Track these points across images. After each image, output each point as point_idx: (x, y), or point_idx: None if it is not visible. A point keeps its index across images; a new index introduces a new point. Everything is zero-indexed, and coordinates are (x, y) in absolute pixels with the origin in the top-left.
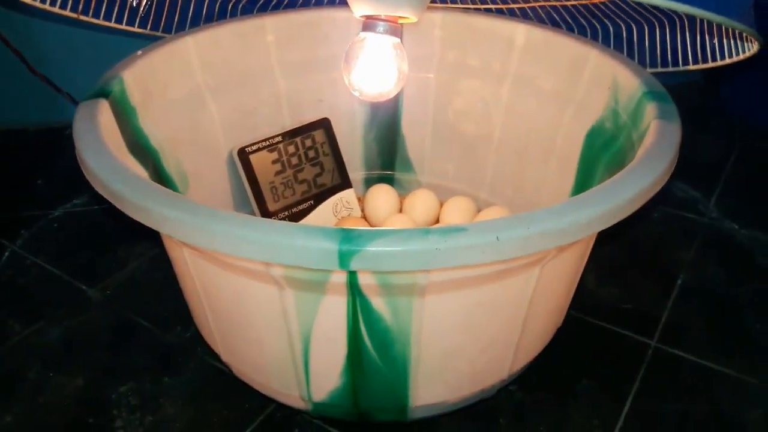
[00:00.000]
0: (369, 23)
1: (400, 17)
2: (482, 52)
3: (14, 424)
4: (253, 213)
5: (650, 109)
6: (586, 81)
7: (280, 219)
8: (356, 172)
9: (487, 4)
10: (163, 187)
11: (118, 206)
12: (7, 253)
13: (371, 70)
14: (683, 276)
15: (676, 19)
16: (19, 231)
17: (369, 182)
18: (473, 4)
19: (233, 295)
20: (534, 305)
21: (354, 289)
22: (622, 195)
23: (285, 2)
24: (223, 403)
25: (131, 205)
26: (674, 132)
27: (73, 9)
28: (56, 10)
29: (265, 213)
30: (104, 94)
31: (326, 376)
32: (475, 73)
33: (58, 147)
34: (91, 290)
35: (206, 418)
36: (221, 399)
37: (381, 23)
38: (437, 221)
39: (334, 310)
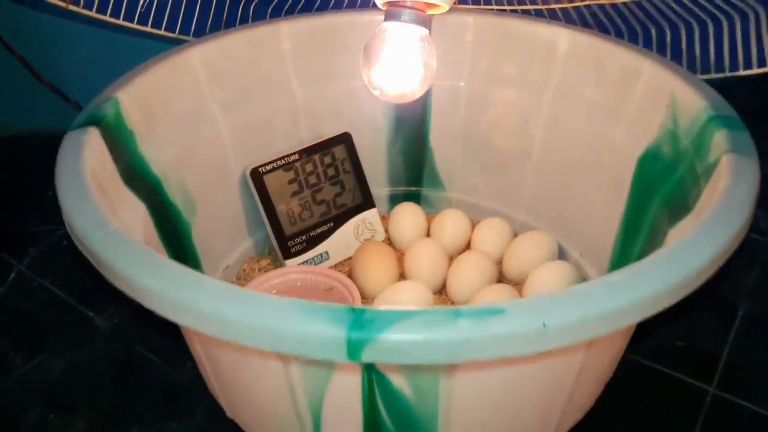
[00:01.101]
0: (392, 11)
1: (428, 4)
2: (519, 58)
3: None
4: (267, 236)
5: (719, 139)
6: (639, 96)
7: (297, 243)
8: (380, 188)
9: (525, 4)
10: (150, 251)
11: (96, 267)
12: (13, 275)
13: (394, 65)
14: (744, 306)
15: (728, 17)
16: (26, 248)
17: (394, 199)
18: (509, 4)
19: (234, 365)
20: (582, 378)
21: (369, 366)
22: (697, 260)
23: (301, 3)
24: None
25: (109, 270)
26: (752, 171)
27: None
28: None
29: (281, 238)
30: (95, 121)
31: None
32: (511, 81)
33: None
34: (98, 318)
35: None
36: None
37: (406, 11)
38: (468, 245)
39: (346, 387)
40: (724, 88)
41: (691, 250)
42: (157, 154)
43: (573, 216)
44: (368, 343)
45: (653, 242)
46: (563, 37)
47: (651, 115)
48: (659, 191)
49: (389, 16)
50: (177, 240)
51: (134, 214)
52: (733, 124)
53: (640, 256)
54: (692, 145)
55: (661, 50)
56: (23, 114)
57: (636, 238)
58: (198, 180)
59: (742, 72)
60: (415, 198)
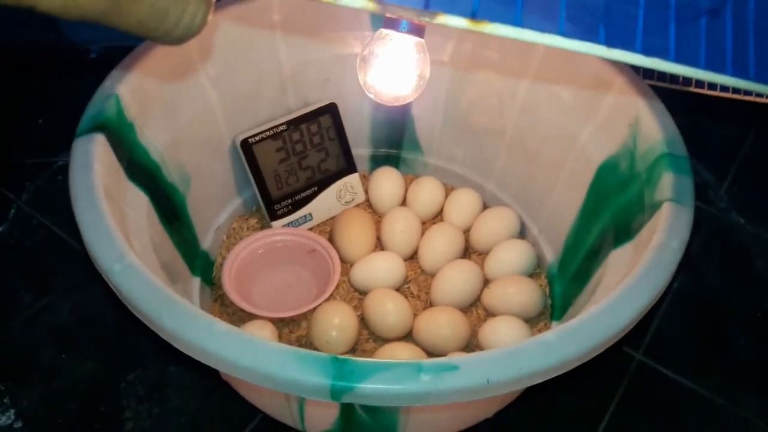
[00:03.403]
0: (392, 20)
1: None
2: (502, 45)
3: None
4: (255, 195)
5: (665, 182)
6: (607, 107)
7: (283, 206)
8: (363, 149)
9: None
10: (164, 290)
11: (118, 296)
12: (13, 210)
13: (390, 72)
14: (680, 278)
15: None
16: (23, 182)
17: (375, 160)
18: None
19: None
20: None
21: None
22: (621, 321)
23: None
24: (226, 398)
25: (129, 304)
26: (685, 225)
27: None
28: None
29: (268, 201)
30: (100, 125)
31: (320, 422)
32: (492, 65)
33: (57, 76)
34: None
35: (208, 412)
36: (223, 394)
37: (404, 20)
38: (441, 212)
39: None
40: None
41: (616, 313)
42: (156, 140)
43: (537, 197)
44: (348, 390)
45: (599, 253)
46: None
47: (615, 129)
48: (612, 204)
49: (388, 24)
50: (174, 213)
51: (138, 206)
52: (682, 167)
53: (587, 255)
54: (645, 172)
55: None
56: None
57: (587, 236)
58: (192, 155)
59: None
60: (395, 160)
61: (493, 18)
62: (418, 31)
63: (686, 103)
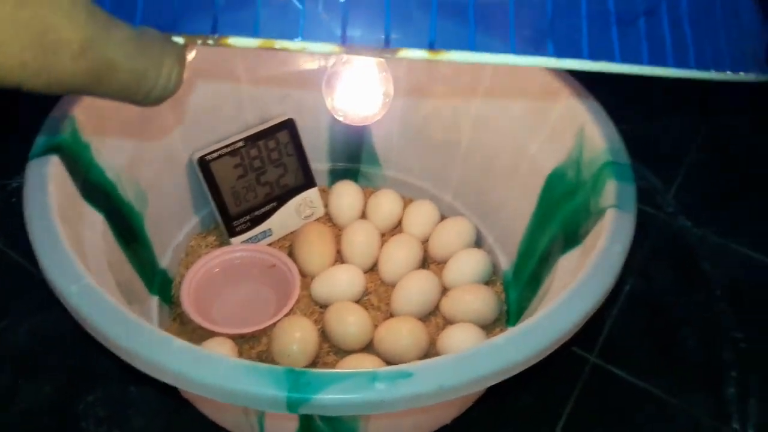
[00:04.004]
0: None
1: None
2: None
3: None
4: (213, 215)
5: (609, 189)
6: (554, 119)
7: (242, 223)
8: (322, 163)
9: None
10: (121, 310)
11: (75, 318)
12: None
13: (355, 93)
14: (631, 281)
15: None
16: None
17: (334, 174)
18: None
19: None
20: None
21: None
22: (566, 325)
23: None
24: (188, 417)
25: (86, 324)
26: (628, 229)
27: None
28: None
29: (227, 218)
30: (55, 147)
31: None
32: (445, 80)
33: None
34: None
35: None
36: (185, 413)
37: None
38: (400, 223)
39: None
40: None
41: (562, 316)
42: (111, 160)
43: (491, 206)
44: (304, 402)
45: (549, 259)
46: None
47: (562, 139)
48: (560, 211)
49: None
50: (131, 233)
51: (94, 227)
52: (624, 175)
53: (539, 261)
54: (591, 180)
55: None
56: None
57: (539, 242)
58: (149, 173)
59: None
60: (354, 174)
61: (449, 46)
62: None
63: (636, 111)
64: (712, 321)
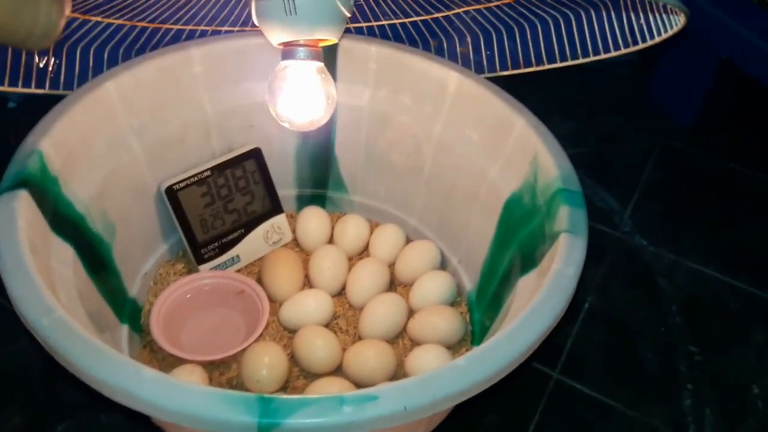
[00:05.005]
0: (288, 51)
1: (319, 40)
2: (415, 92)
3: None
4: (181, 243)
5: (562, 215)
6: (510, 146)
7: (210, 250)
8: (289, 189)
9: (412, 16)
10: (92, 341)
11: (47, 350)
12: None
13: (298, 99)
14: (590, 299)
15: (599, 4)
16: None
17: (301, 200)
18: (399, 17)
19: None
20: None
21: None
22: (521, 345)
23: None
24: None
25: (59, 356)
26: (579, 252)
27: None
28: None
29: (195, 245)
30: (23, 181)
31: None
32: (406, 110)
33: None
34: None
35: None
36: None
37: (301, 49)
38: (367, 247)
39: None
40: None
41: (519, 337)
42: (80, 192)
43: (455, 229)
44: (274, 426)
45: (509, 280)
46: (453, 79)
47: (518, 166)
48: (518, 235)
49: (286, 55)
50: (100, 263)
51: (63, 258)
52: (576, 201)
53: (500, 283)
54: (545, 205)
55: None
56: None
57: (500, 264)
58: (117, 205)
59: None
60: (321, 199)
61: None
62: (315, 56)
63: (591, 133)
64: (668, 335)
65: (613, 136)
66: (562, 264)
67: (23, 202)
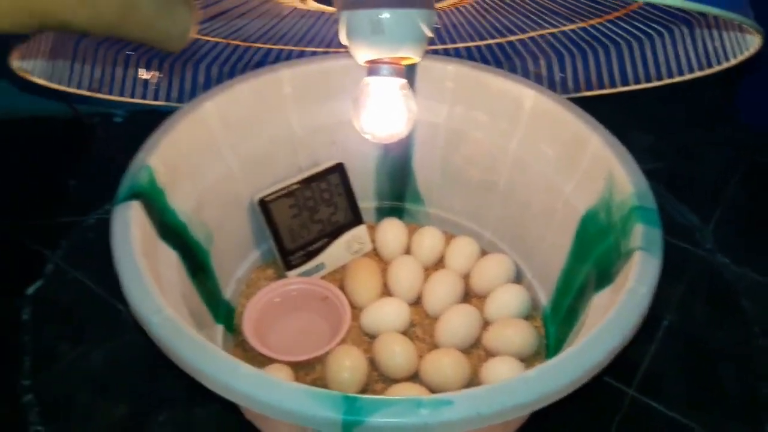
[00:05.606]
0: (373, 68)
1: (402, 58)
2: (491, 109)
3: None
4: (272, 250)
5: (637, 232)
6: (586, 163)
7: (298, 257)
8: (369, 202)
9: (487, 39)
10: (198, 339)
11: (157, 345)
12: (50, 266)
13: (380, 113)
14: (669, 317)
15: (673, 28)
16: (58, 240)
17: (381, 211)
18: (474, 40)
19: None
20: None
21: None
22: (591, 361)
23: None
24: None
25: (167, 351)
26: (653, 272)
27: (89, 87)
28: (71, 89)
29: (284, 252)
30: (136, 194)
31: None
32: (482, 126)
33: (85, 140)
34: (126, 310)
35: None
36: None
37: (384, 66)
38: (442, 259)
39: None
40: None
41: (589, 353)
42: (183, 203)
43: (530, 243)
44: (357, 424)
45: (584, 295)
46: (529, 97)
47: (594, 183)
48: (594, 251)
49: (371, 72)
50: (199, 267)
51: (169, 264)
52: (651, 219)
53: (575, 298)
54: (620, 222)
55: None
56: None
57: (575, 280)
58: (215, 214)
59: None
60: (399, 211)
61: None
62: (398, 73)
63: (673, 149)
64: (750, 356)
65: (694, 150)
66: (635, 282)
67: (136, 212)
